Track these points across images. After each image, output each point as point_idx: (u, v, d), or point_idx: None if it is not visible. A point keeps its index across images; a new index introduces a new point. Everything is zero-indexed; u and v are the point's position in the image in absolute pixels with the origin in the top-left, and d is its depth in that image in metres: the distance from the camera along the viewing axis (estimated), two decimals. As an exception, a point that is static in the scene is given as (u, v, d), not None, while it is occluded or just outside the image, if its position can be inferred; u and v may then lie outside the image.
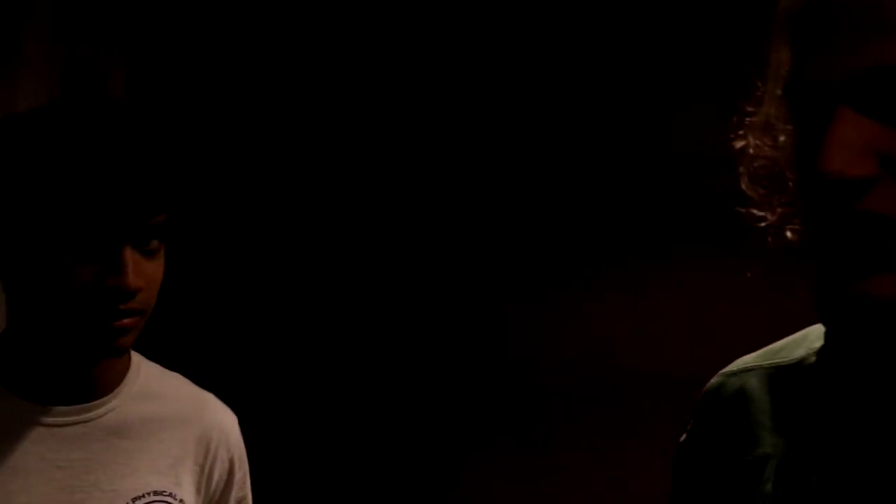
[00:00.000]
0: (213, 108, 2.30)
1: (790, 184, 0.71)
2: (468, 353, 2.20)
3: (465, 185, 2.22)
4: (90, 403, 1.10)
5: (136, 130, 1.04)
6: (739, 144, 0.73)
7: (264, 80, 2.31)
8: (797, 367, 0.75)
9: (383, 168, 2.25)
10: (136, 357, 1.17)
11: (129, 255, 1.01)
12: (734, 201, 0.77)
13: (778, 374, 0.76)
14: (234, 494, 1.24)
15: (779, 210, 0.73)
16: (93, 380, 1.10)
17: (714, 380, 0.83)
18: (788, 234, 0.72)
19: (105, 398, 1.11)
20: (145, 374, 1.17)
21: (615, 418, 2.10)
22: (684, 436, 0.84)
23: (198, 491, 1.18)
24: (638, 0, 2.14)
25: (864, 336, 0.67)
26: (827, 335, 0.73)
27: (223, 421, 1.23)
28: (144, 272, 1.03)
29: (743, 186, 0.73)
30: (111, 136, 1.02)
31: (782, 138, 0.71)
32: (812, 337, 0.76)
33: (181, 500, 1.15)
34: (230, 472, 1.23)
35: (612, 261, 2.13)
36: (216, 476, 1.21)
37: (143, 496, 1.11)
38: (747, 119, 0.73)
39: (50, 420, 1.07)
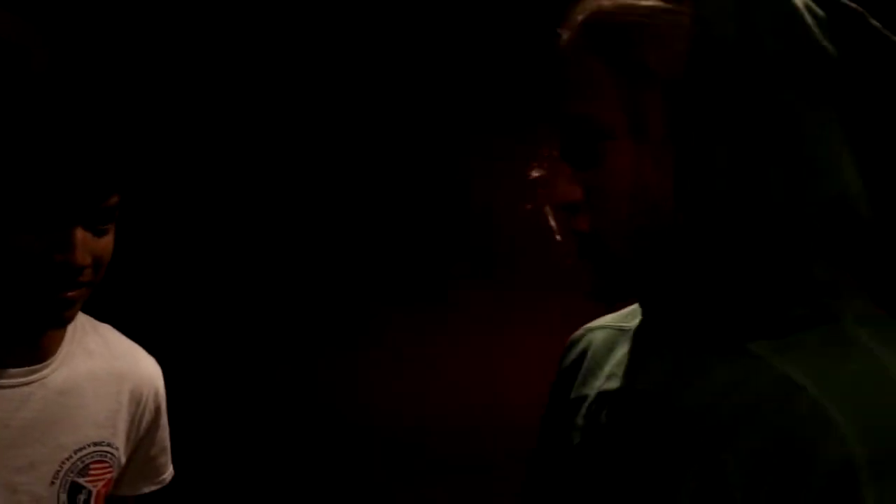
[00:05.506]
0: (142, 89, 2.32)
1: None
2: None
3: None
4: (36, 366, 1.15)
5: (91, 114, 1.06)
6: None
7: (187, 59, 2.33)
8: (629, 333, 0.92)
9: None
10: None
11: (80, 234, 1.06)
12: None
13: (620, 335, 0.94)
14: (158, 437, 1.33)
15: None
16: (39, 343, 1.16)
17: (577, 332, 1.03)
18: None
19: (49, 360, 1.17)
20: (81, 331, 1.24)
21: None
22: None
23: (128, 439, 1.27)
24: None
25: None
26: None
27: (153, 374, 1.33)
28: (93, 250, 1.08)
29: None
30: (67, 120, 1.04)
31: None
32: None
33: (116, 448, 1.23)
34: (154, 420, 1.32)
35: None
36: (143, 424, 1.30)
37: (85, 447, 1.19)
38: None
39: (2, 382, 1.12)
